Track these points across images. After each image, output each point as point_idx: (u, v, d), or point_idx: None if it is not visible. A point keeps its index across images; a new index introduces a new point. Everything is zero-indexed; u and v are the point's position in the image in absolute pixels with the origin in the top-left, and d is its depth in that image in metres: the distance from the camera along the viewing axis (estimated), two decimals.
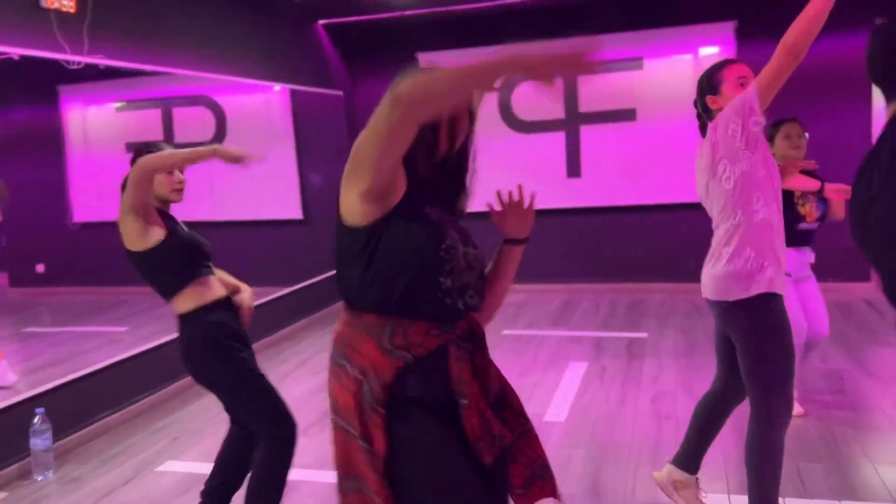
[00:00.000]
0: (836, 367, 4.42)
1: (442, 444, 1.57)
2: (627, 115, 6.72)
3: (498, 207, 1.79)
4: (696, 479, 2.83)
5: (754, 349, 2.46)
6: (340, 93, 7.28)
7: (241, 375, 2.62)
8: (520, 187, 1.80)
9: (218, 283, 2.74)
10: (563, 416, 3.91)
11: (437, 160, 1.64)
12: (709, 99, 2.56)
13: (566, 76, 1.29)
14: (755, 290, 2.41)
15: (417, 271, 1.56)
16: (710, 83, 2.56)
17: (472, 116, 1.66)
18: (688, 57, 6.55)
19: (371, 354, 1.58)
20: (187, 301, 2.62)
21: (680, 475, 2.82)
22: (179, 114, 5.65)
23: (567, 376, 4.57)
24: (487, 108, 7.05)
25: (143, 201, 2.54)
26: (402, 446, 1.56)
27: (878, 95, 6.16)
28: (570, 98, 6.84)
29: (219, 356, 2.60)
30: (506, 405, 1.71)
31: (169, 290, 2.64)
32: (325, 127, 7.02)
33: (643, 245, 6.84)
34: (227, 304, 2.71)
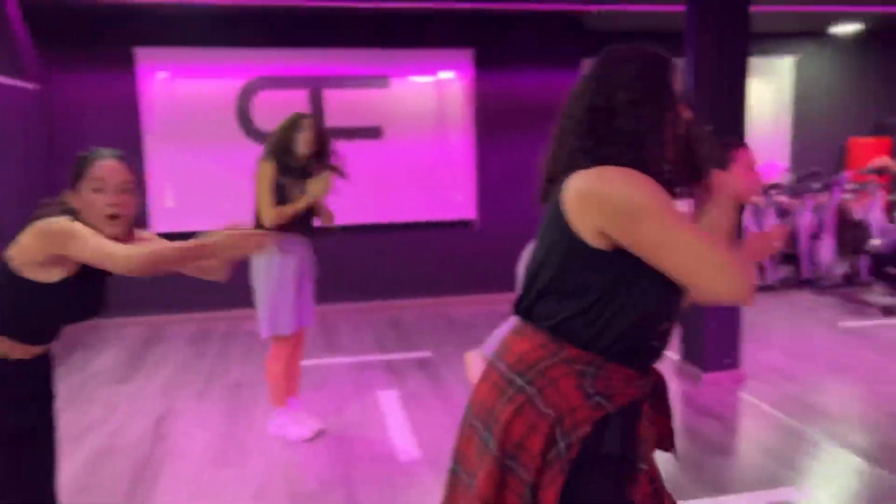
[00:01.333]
0: None
1: None
2: (374, 132, 6.67)
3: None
4: None
5: None
6: (33, 86, 5.91)
7: None
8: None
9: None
10: (416, 453, 3.72)
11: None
12: None
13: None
14: None
15: (651, 316, 1.38)
16: None
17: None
18: (430, 79, 6.76)
19: (571, 395, 1.36)
20: None
21: None
22: None
23: (385, 407, 4.36)
24: (225, 117, 6.39)
25: None
26: None
27: None
28: (315, 111, 6.55)
29: None
30: None
31: None
32: (12, 125, 5.61)
33: (392, 262, 6.86)
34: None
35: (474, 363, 3.68)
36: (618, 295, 1.35)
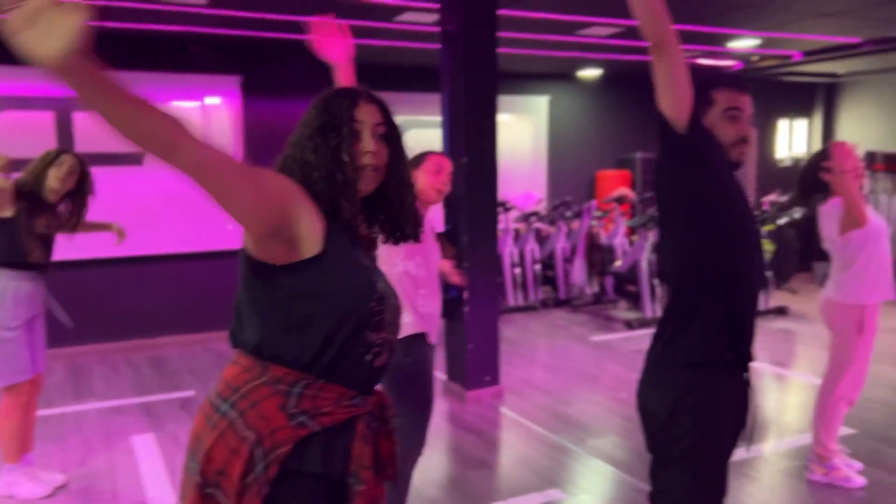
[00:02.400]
0: None
1: None
2: (134, 158, 6.25)
3: None
4: None
5: (392, 386, 2.65)
6: None
7: None
8: None
9: None
10: (171, 499, 3.48)
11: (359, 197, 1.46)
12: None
13: None
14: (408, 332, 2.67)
15: (348, 324, 1.37)
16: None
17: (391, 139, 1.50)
18: (195, 104, 6.49)
19: (272, 417, 1.35)
20: None
21: None
22: None
23: (139, 453, 4.04)
24: None
25: None
26: None
27: None
28: (63, 135, 6.01)
29: None
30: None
31: None
32: None
33: (153, 297, 6.43)
34: None
35: None
36: (305, 308, 1.36)
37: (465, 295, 4.74)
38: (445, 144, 4.84)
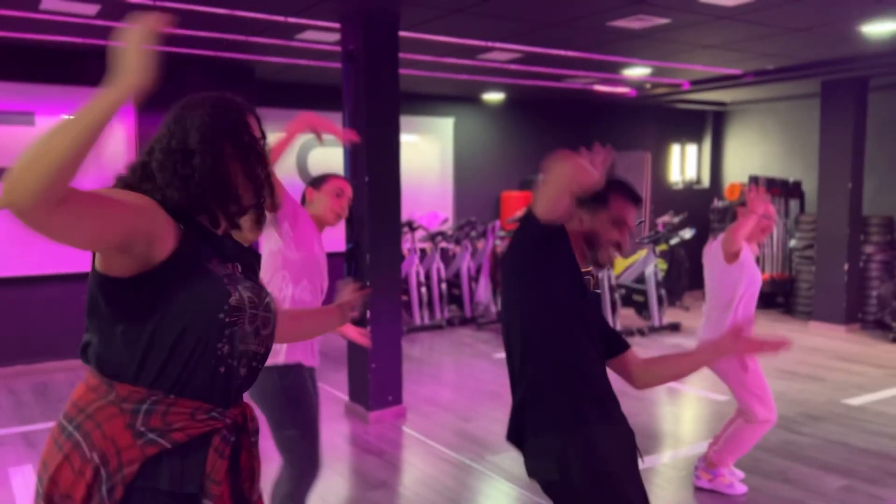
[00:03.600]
0: None
1: None
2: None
3: None
4: None
5: (273, 408, 2.65)
6: None
7: None
8: None
9: None
10: None
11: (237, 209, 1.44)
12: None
13: None
14: (280, 360, 2.63)
15: (192, 336, 1.33)
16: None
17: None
18: None
19: (118, 437, 1.31)
20: None
21: None
22: None
23: (17, 487, 3.80)
24: None
25: None
26: None
27: None
28: None
29: None
30: None
31: None
32: None
33: (38, 320, 6.07)
34: None
35: None
36: (146, 322, 1.32)
37: (368, 314, 4.73)
38: (346, 164, 4.82)
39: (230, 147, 1.41)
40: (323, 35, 5.38)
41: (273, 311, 1.52)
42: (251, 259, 1.55)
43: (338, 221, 2.92)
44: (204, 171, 1.37)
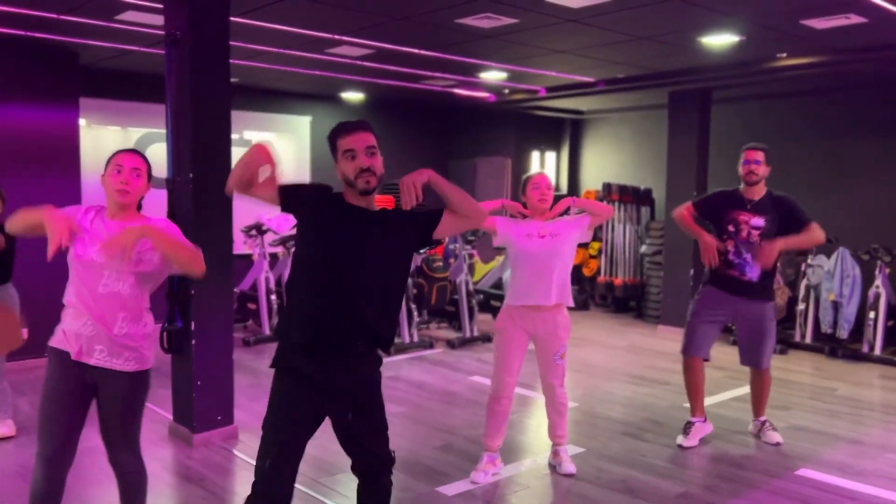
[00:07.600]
0: None
1: None
2: None
3: None
4: None
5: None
6: None
7: None
8: None
9: None
10: None
11: None
12: None
13: None
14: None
15: None
16: None
17: None
18: None
19: None
20: None
21: None
22: None
23: None
24: None
25: None
26: None
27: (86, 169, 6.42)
28: None
29: None
30: None
31: None
32: None
33: None
34: None
35: None
36: None
37: (192, 326, 4.28)
38: (169, 158, 4.36)
39: None
40: (146, 17, 4.87)
41: None
42: None
43: (124, 198, 2.65)
44: None
